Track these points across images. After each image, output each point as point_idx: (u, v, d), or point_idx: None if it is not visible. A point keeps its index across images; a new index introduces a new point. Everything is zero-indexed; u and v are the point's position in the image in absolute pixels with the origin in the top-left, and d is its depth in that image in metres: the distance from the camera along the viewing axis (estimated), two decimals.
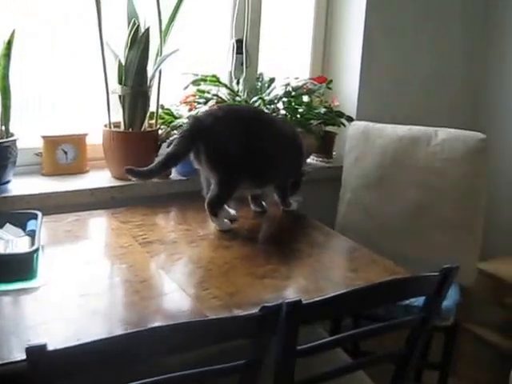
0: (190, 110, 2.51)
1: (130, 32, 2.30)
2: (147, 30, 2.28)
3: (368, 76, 2.91)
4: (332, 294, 1.48)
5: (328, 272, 1.92)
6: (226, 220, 2.16)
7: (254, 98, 2.54)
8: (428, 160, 2.55)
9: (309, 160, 2.82)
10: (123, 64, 2.32)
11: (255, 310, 1.36)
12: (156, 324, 1.49)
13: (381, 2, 2.87)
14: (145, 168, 2.02)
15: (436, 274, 1.65)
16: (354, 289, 1.55)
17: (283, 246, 2.09)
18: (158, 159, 2.05)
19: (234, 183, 2.12)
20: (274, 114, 2.52)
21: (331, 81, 2.83)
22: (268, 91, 2.62)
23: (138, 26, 2.30)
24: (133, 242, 1.96)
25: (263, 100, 2.53)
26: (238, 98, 2.57)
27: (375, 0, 2.84)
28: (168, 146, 2.08)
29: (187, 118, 2.34)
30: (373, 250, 2.10)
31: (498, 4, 3.19)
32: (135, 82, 2.34)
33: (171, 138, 2.13)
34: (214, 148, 2.06)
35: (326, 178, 2.83)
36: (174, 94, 2.57)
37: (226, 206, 2.19)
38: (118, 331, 1.42)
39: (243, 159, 2.09)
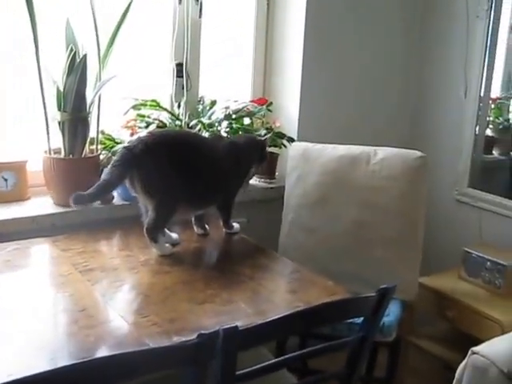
0: (132, 134, 2.51)
1: (68, 58, 2.29)
2: (85, 56, 2.27)
3: (308, 97, 2.93)
4: (268, 319, 1.50)
5: (269, 295, 1.92)
6: (167, 244, 2.15)
7: (193, 122, 2.55)
8: (368, 178, 2.56)
9: (251, 181, 2.81)
10: (61, 90, 2.31)
11: (195, 337, 1.36)
12: (95, 354, 1.48)
13: (319, 25, 2.89)
14: (78, 193, 2.01)
15: (373, 294, 1.67)
16: (291, 313, 1.56)
17: (224, 269, 2.09)
18: (93, 187, 2.04)
19: (170, 208, 2.12)
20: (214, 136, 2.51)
21: (271, 103, 2.87)
22: (209, 114, 2.63)
23: (76, 52, 2.29)
24: (73, 271, 1.94)
25: (203, 123, 2.54)
26: (178, 122, 2.58)
27: (313, 24, 2.86)
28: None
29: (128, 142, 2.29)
30: (316, 269, 2.11)
31: (433, 22, 3.23)
32: (74, 107, 2.33)
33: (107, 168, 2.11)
34: (147, 176, 2.07)
35: (268, 199, 2.84)
36: (115, 119, 2.56)
37: (167, 231, 2.19)
38: (57, 363, 1.41)
39: (177, 184, 2.09)
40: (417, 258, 2.58)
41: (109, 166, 2.05)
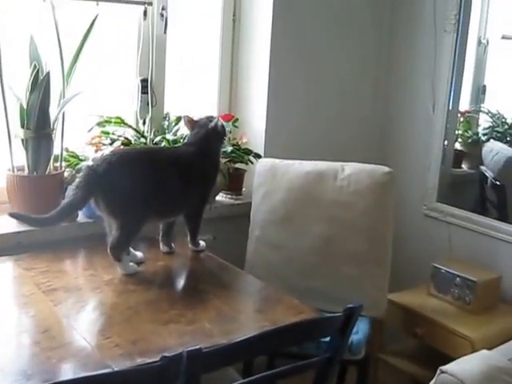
0: (96, 151, 2.51)
1: (31, 75, 2.29)
2: (48, 73, 2.28)
3: (275, 113, 2.94)
4: (233, 341, 1.51)
5: (234, 314, 1.93)
6: (131, 263, 2.16)
7: (158, 138, 2.56)
8: (335, 194, 2.58)
9: (218, 197, 2.84)
10: (25, 107, 2.32)
11: (158, 358, 1.37)
12: (58, 376, 1.49)
13: (284, 43, 2.91)
14: (42, 216, 2.03)
15: (339, 314, 1.70)
16: (255, 334, 1.58)
17: (190, 288, 2.12)
18: (56, 208, 2.06)
19: (134, 228, 2.14)
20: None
21: (237, 119, 2.88)
22: (174, 130, 2.65)
23: (39, 68, 2.30)
24: (36, 291, 1.93)
25: (167, 140, 2.55)
26: (142, 139, 2.59)
27: (278, 41, 2.88)
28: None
29: (92, 159, 2.33)
30: (283, 286, 2.13)
31: (402, 35, 3.27)
32: (38, 124, 2.33)
33: (71, 186, 2.13)
34: (110, 196, 2.08)
35: (235, 215, 2.83)
36: (80, 136, 2.57)
37: (131, 249, 2.20)
38: None
39: (142, 201, 2.11)
40: (385, 275, 2.59)
41: (72, 187, 2.07)
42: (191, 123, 2.37)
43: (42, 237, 2.32)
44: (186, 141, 2.40)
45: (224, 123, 2.42)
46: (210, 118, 2.38)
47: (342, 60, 3.16)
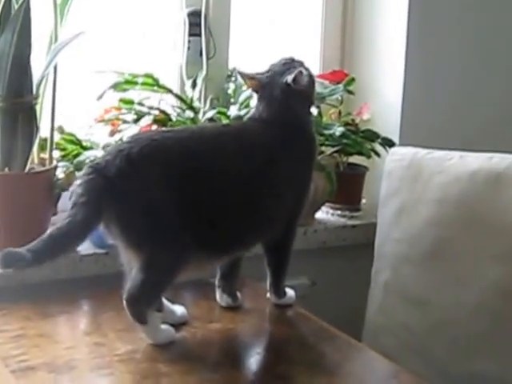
0: (112, 133, 2.44)
1: None
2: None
3: (419, 73, 2.82)
4: None
5: None
6: (164, 326, 1.99)
7: (209, 113, 2.49)
8: None
9: (319, 214, 2.77)
10: None
11: None
12: None
13: None
14: (14, 250, 1.83)
15: None
16: None
17: (265, 371, 1.97)
18: (43, 237, 1.88)
19: (169, 267, 1.95)
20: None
21: (353, 79, 2.73)
22: (242, 99, 2.56)
23: None
24: (1, 369, 1.81)
25: (226, 116, 2.48)
26: (189, 114, 2.49)
27: None
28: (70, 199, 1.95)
29: (103, 148, 2.31)
30: (429, 369, 2.12)
31: None
32: (11, 88, 2.20)
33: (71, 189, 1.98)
34: (129, 215, 1.92)
35: (348, 246, 2.75)
36: (83, 109, 2.55)
37: (165, 301, 2.05)
38: None
39: (183, 223, 1.93)
40: None
41: (70, 199, 1.92)
42: (253, 81, 2.22)
43: (19, 278, 2.21)
44: (251, 112, 2.29)
45: (310, 72, 2.23)
46: (287, 65, 2.22)
47: None
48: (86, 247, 2.34)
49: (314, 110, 2.43)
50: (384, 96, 2.88)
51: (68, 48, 2.23)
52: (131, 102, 2.45)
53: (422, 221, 2.48)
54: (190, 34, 2.65)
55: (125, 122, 2.42)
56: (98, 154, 2.27)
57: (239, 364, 2.04)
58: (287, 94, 2.17)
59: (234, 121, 2.50)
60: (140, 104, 2.45)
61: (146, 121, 2.42)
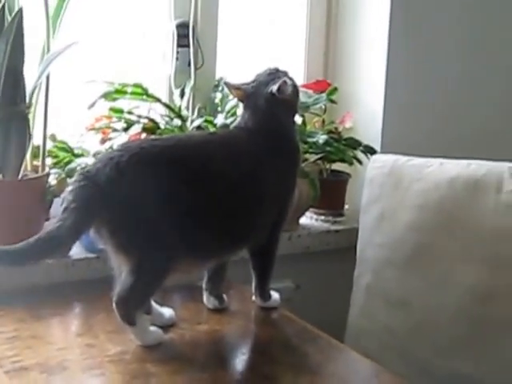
0: (103, 141, 2.47)
1: None
2: (20, 11, 2.16)
3: (400, 81, 2.85)
4: None
5: None
6: (153, 328, 2.01)
7: (196, 122, 2.49)
8: (499, 217, 2.40)
9: (303, 219, 2.79)
10: None
11: None
12: None
13: None
14: (7, 247, 1.86)
15: None
16: None
17: (250, 373, 1.98)
18: (31, 239, 1.89)
19: (158, 271, 1.98)
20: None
21: (335, 89, 2.76)
22: (228, 108, 2.59)
23: (5, 3, 2.21)
24: None
25: (212, 124, 2.50)
26: (177, 122, 2.51)
27: None
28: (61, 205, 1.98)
29: (94, 156, 2.33)
30: (410, 369, 2.13)
31: None
32: (5, 97, 2.22)
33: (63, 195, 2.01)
34: (120, 221, 1.94)
35: (331, 250, 2.76)
36: (75, 117, 2.56)
37: (154, 304, 2.07)
38: None
39: (172, 227, 1.95)
40: None
41: (61, 205, 1.95)
42: (239, 91, 2.25)
43: (12, 281, 2.24)
44: (237, 121, 2.30)
45: (294, 82, 2.27)
46: (271, 75, 2.25)
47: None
48: (77, 252, 2.38)
49: (298, 119, 2.48)
50: (366, 105, 2.90)
51: (60, 58, 2.24)
52: (121, 111, 2.47)
53: (402, 226, 2.51)
54: (179, 45, 2.67)
55: (115, 130, 2.45)
56: (88, 161, 2.29)
57: (226, 364, 2.06)
58: (272, 103, 2.19)
59: (220, 129, 2.52)
60: (130, 113, 2.48)
61: (135, 129, 2.44)
